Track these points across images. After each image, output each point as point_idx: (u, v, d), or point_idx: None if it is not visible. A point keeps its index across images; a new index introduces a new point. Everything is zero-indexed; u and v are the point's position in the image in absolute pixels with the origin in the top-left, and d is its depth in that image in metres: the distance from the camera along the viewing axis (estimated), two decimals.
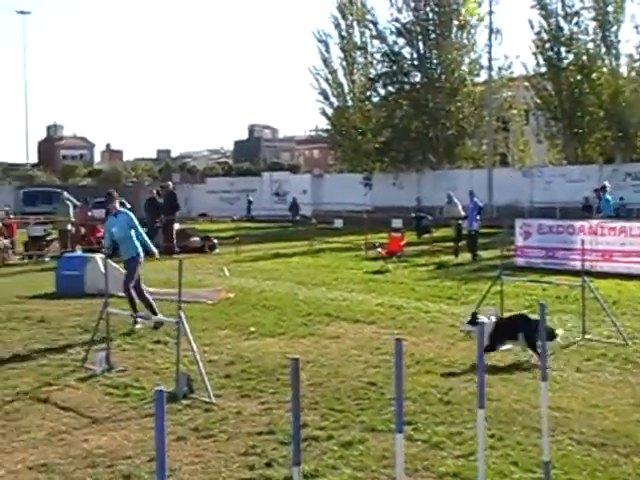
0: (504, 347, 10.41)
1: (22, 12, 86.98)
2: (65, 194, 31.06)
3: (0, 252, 25.72)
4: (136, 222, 13.47)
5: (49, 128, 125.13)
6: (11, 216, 31.19)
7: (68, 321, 13.86)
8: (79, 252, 22.88)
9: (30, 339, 12.44)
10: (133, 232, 13.22)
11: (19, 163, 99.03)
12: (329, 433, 7.40)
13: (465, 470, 6.42)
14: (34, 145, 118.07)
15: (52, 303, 16.04)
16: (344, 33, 52.70)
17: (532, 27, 44.64)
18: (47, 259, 25.26)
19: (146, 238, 13.65)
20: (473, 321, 10.55)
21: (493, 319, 10.47)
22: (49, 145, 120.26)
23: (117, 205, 13.75)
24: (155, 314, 12.49)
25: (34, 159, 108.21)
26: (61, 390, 9.37)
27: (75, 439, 7.57)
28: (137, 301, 12.96)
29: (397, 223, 26.34)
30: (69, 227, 26.99)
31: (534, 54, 45.01)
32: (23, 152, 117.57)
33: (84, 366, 10.31)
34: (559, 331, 10.54)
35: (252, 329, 12.59)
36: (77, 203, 30.92)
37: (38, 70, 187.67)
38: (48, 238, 27.48)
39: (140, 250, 13.22)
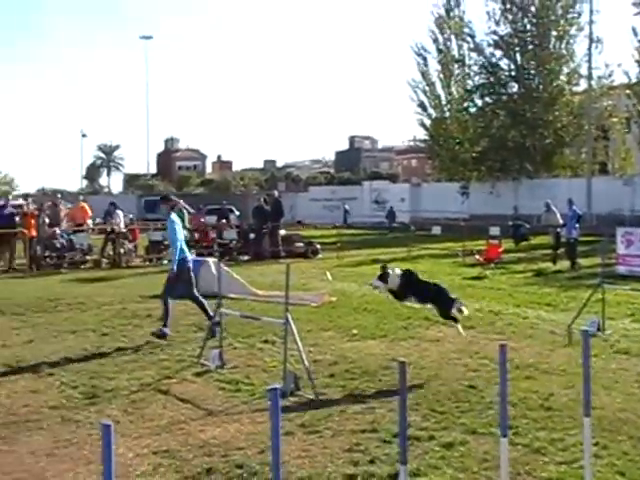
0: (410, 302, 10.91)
1: (145, 37, 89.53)
2: (181, 202, 31.55)
3: (125, 255, 26.50)
4: (175, 228, 12.58)
5: (166, 141, 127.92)
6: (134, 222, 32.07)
7: (184, 320, 14.09)
8: (193, 256, 23.26)
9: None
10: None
11: (140, 174, 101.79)
12: (430, 434, 7.33)
13: (568, 477, 6.23)
14: (153, 157, 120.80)
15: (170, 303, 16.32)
16: (442, 47, 52.14)
17: (635, 34, 42.95)
18: (165, 262, 25.76)
19: (179, 250, 12.53)
20: (382, 276, 10.75)
21: (398, 271, 10.79)
22: (166, 157, 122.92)
23: (167, 209, 13.23)
24: (165, 325, 12.23)
25: (153, 170, 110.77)
26: (179, 383, 9.59)
27: (192, 429, 7.72)
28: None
29: (494, 231, 25.93)
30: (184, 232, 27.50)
31: (637, 62, 43.33)
32: (144, 164, 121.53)
33: (199, 362, 10.51)
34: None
35: (354, 331, 12.56)
36: (191, 210, 31.45)
37: (157, 88, 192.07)
38: (166, 242, 28.03)
39: (185, 256, 12.58)
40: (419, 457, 6.65)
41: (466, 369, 9.95)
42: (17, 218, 25.91)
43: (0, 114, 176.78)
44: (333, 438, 7.33)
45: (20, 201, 35.29)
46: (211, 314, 12.00)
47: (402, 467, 4.24)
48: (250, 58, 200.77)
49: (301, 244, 28.14)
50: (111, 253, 26.53)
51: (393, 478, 6.22)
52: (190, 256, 12.97)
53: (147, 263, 26.68)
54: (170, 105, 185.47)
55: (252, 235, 27.95)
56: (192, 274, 12.75)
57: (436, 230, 31.28)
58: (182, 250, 12.55)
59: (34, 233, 25.24)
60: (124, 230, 26.91)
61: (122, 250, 26.77)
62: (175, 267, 12.45)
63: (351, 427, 7.62)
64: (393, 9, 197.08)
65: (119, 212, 27.67)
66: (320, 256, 27.29)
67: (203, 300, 12.56)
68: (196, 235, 28.20)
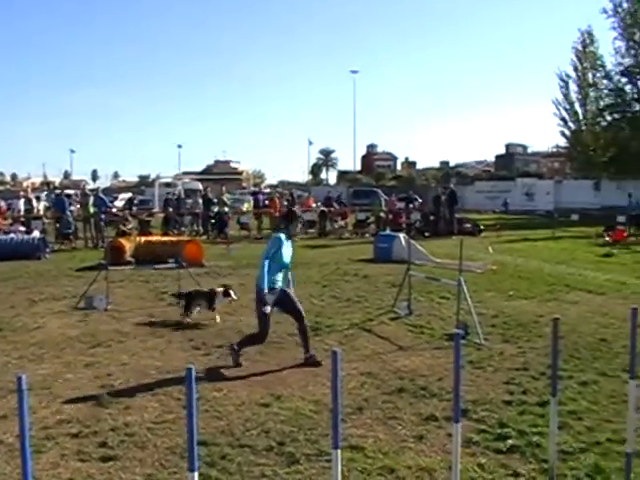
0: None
1: (353, 71, 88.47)
2: (379, 192, 31.85)
3: (339, 230, 27.00)
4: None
5: (368, 147, 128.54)
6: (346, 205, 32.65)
7: (382, 278, 14.15)
8: (388, 231, 23.31)
9: (357, 289, 12.88)
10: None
11: (349, 170, 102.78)
12: (569, 374, 6.96)
13: None
14: (359, 158, 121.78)
15: (371, 266, 16.47)
16: (580, 74, 49.66)
17: None
18: (367, 235, 26.00)
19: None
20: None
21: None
22: (368, 158, 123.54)
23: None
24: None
25: (358, 167, 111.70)
26: (378, 325, 9.61)
27: (388, 359, 7.75)
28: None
29: (621, 219, 24.33)
30: (382, 214, 27.67)
31: None
32: (352, 163, 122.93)
33: (393, 310, 10.50)
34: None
35: (510, 293, 12.06)
36: (386, 197, 31.52)
37: (362, 105, 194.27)
38: (368, 221, 28.30)
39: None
40: (560, 391, 6.30)
41: (598, 325, 9.36)
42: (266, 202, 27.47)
43: (258, 126, 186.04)
44: (494, 373, 7.13)
45: (268, 190, 36.89)
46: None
47: (553, 399, 4.04)
48: (434, 86, 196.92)
49: (469, 225, 27.47)
50: (328, 228, 27.15)
51: (540, 405, 6.01)
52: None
53: (354, 236, 26.97)
54: (372, 119, 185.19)
55: (432, 217, 27.65)
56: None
57: (574, 217, 29.45)
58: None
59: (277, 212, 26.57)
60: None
61: (336, 225, 27.35)
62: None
63: (508, 365, 7.39)
64: (538, 38, 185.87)
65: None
66: (483, 235, 26.39)
67: None
68: (390, 216, 28.22)
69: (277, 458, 4.99)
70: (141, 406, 6.15)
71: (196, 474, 2.90)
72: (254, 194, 29.79)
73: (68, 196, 31.13)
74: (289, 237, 7.55)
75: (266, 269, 7.13)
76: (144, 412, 5.98)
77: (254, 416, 5.87)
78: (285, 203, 27.63)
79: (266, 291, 7.11)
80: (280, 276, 7.41)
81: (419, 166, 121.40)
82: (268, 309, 7.18)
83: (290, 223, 7.69)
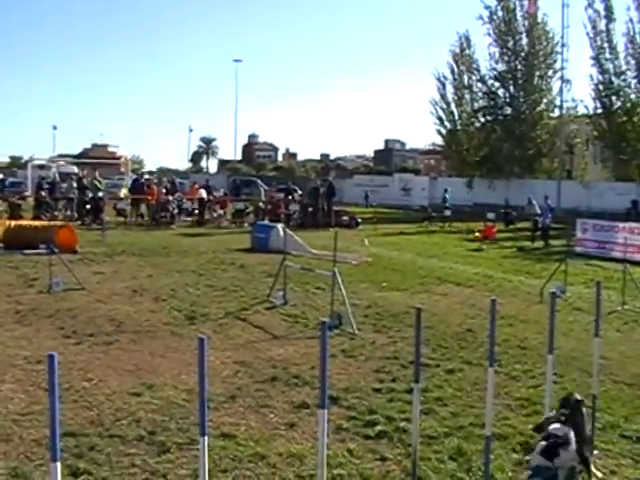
0: None
1: (236, 60, 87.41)
2: (259, 182, 31.82)
3: (217, 219, 26.78)
4: None
5: (249, 136, 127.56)
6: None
7: (258, 268, 14.24)
8: (266, 222, 23.36)
9: (234, 278, 12.93)
10: None
11: (230, 159, 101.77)
12: (437, 362, 7.36)
13: (534, 397, 6.27)
14: (240, 148, 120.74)
15: (248, 255, 16.52)
16: (456, 76, 51.75)
17: (592, 79, 42.55)
18: (246, 225, 25.94)
19: None
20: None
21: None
22: (249, 148, 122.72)
23: None
24: None
25: (239, 157, 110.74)
26: (253, 314, 9.70)
27: (262, 347, 7.85)
28: None
29: (491, 216, 25.69)
30: (261, 204, 27.71)
31: (593, 99, 42.92)
32: (232, 152, 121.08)
33: (268, 299, 10.61)
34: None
35: (384, 284, 12.52)
36: (266, 188, 31.57)
37: (244, 94, 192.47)
38: (247, 211, 28.24)
39: None
40: (428, 379, 6.68)
41: (465, 317, 9.92)
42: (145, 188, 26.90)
43: (137, 111, 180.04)
44: (365, 362, 7.39)
45: (146, 176, 36.05)
46: None
47: (415, 385, 4.27)
48: (309, 80, 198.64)
49: (346, 217, 28.00)
50: (207, 217, 26.94)
51: (408, 392, 6.25)
52: None
53: (233, 225, 26.85)
54: (254, 108, 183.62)
55: (310, 209, 27.94)
56: None
57: (447, 213, 30.79)
58: None
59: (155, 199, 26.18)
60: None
61: (214, 214, 27.20)
62: None
63: (378, 354, 7.68)
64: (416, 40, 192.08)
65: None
66: (360, 227, 27.02)
67: None
68: (269, 206, 28.24)
69: (147, 447, 4.93)
70: (6, 397, 5.89)
71: (58, 464, 2.81)
72: (136, 180, 29.12)
73: None
74: None
75: None
76: (9, 403, 5.74)
77: (125, 406, 5.77)
78: (164, 190, 27.17)
79: None
80: None
81: (300, 157, 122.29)
82: None
83: None
